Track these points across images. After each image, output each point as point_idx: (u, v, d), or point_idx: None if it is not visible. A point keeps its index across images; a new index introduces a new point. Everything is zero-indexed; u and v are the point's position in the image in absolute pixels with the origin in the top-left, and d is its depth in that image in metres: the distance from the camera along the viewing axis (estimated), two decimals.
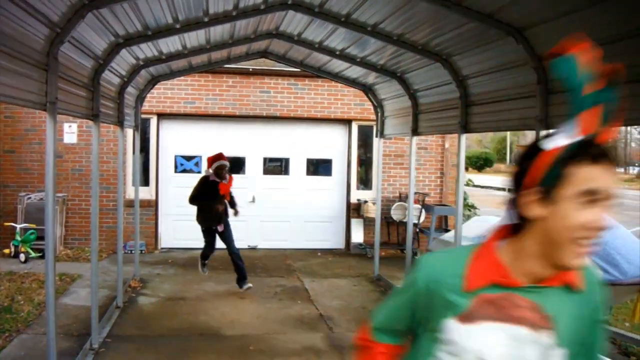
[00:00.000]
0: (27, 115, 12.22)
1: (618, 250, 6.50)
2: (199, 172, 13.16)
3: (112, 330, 7.41)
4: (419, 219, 12.80)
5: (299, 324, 8.02)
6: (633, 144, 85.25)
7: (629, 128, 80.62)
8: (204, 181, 9.45)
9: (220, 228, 9.69)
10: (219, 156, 9.28)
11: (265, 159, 13.53)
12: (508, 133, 69.24)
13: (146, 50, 7.68)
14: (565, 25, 4.95)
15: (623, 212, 27.38)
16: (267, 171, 13.57)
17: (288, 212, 13.48)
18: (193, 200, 9.58)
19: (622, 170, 78.68)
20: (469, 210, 15.98)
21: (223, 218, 9.68)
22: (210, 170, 9.26)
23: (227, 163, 9.30)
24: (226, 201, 9.60)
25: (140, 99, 9.76)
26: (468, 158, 58.29)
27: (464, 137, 7.42)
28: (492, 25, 5.62)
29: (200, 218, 9.72)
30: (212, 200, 9.31)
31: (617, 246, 6.58)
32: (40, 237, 10.64)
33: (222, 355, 6.70)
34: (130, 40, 6.68)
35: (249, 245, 13.34)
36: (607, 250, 6.49)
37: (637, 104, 4.40)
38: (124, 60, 7.44)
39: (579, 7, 4.57)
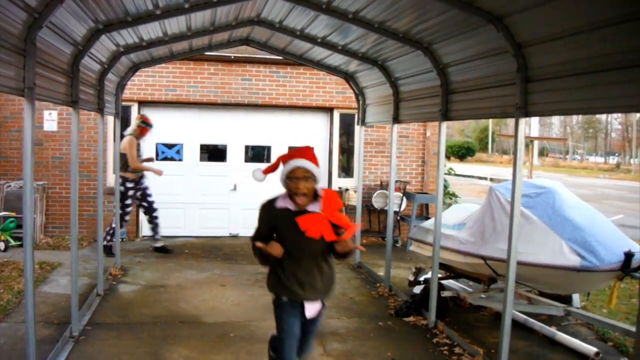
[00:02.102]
0: (6, 102, 12.13)
1: (596, 237, 6.57)
2: (181, 159, 13.14)
3: (93, 318, 7.39)
4: (400, 206, 12.87)
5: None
6: (613, 134, 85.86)
7: (609, 118, 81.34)
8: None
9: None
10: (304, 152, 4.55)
11: (247, 147, 13.50)
12: (490, 123, 69.65)
13: (126, 36, 7.62)
14: (545, 13, 4.97)
15: (603, 202, 27.64)
16: (249, 159, 13.55)
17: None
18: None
19: (602, 160, 79.32)
20: (450, 199, 16.07)
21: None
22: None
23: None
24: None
25: (121, 86, 9.69)
26: (450, 147, 58.65)
27: (444, 125, 7.44)
28: (472, 12, 5.63)
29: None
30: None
31: (595, 233, 6.65)
32: (20, 226, 10.60)
33: (203, 342, 6.70)
34: (110, 26, 6.62)
35: (230, 233, 13.35)
36: (585, 237, 6.56)
37: (614, 91, 4.46)
38: (104, 46, 7.38)
39: None
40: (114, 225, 10.47)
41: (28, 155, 4.89)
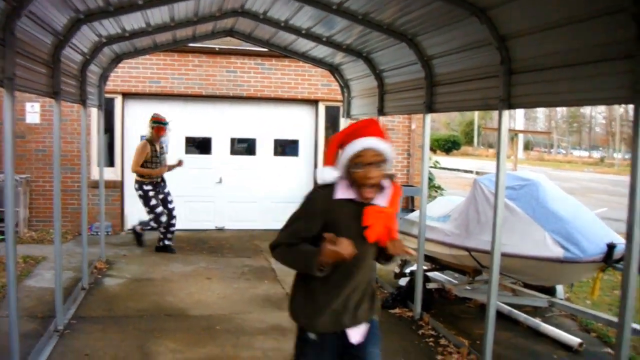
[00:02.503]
0: None
1: (579, 229, 6.61)
2: (166, 152, 13.06)
3: (78, 312, 7.36)
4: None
5: (266, 303, 8.04)
6: (597, 129, 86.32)
7: (593, 113, 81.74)
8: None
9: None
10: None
11: (232, 140, 13.48)
12: (476, 116, 69.79)
13: (108, 27, 7.56)
14: (528, 5, 4.99)
15: (588, 195, 27.79)
16: (234, 152, 13.53)
17: (255, 192, 13.47)
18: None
19: (587, 154, 79.75)
20: (436, 192, 16.10)
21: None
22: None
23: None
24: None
25: (103, 77, 9.62)
26: (436, 141, 58.77)
27: (428, 117, 7.45)
28: (456, 4, 5.63)
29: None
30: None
31: (578, 225, 6.69)
32: (2, 219, 10.50)
33: (189, 335, 6.69)
34: (91, 16, 6.54)
35: (216, 226, 13.34)
36: (568, 229, 6.59)
37: (597, 83, 4.48)
38: (86, 37, 7.32)
39: None
40: (152, 224, 10.73)
41: (9, 148, 4.85)
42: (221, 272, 9.56)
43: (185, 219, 13.19)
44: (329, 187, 3.40)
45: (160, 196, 10.68)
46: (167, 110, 12.89)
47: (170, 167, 10.88)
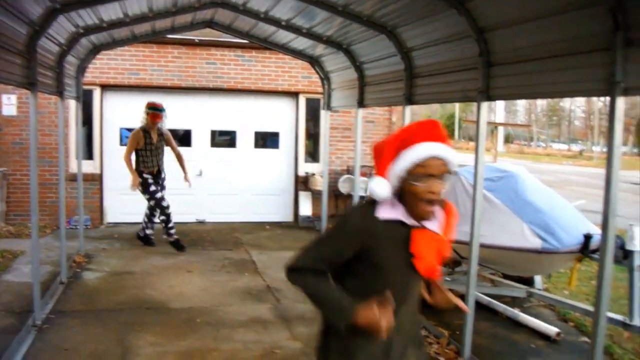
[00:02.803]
0: None
1: (556, 220, 6.68)
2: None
3: (56, 306, 7.30)
4: (366, 191, 12.88)
5: (246, 295, 8.04)
6: (577, 122, 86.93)
7: (572, 106, 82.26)
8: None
9: None
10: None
11: (212, 132, 13.42)
12: (457, 109, 70.00)
13: (86, 17, 7.49)
14: None
15: (566, 187, 27.98)
16: (214, 144, 13.48)
17: (236, 185, 13.44)
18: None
19: (566, 147, 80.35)
20: None
21: None
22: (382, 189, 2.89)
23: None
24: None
25: (81, 69, 9.54)
26: None
27: (408, 109, 7.47)
28: None
29: None
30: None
31: (556, 216, 6.76)
32: None
33: (169, 328, 6.67)
34: (67, 5, 6.46)
35: (197, 219, 13.29)
36: (546, 220, 6.66)
37: (575, 75, 4.51)
38: (63, 27, 7.24)
39: None
40: (155, 219, 10.61)
41: None
42: (202, 265, 9.54)
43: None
44: (370, 205, 2.76)
45: (159, 186, 10.33)
46: (146, 102, 12.82)
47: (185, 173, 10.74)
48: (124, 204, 12.79)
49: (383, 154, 2.76)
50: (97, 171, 12.68)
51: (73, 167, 11.88)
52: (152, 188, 10.10)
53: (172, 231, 10.41)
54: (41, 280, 7.06)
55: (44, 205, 11.80)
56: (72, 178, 11.28)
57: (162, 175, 10.40)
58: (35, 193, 6.48)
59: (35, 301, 6.62)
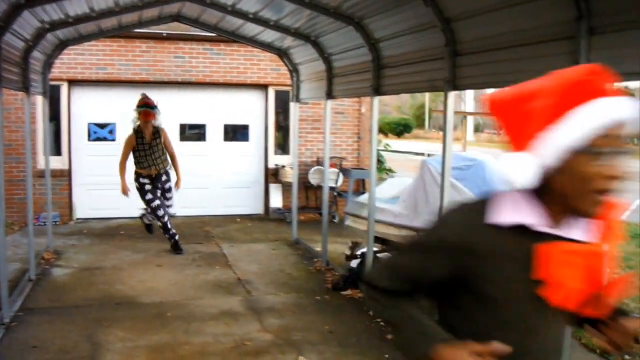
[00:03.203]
0: None
1: None
2: (114, 140, 12.90)
3: (25, 304, 7.23)
4: (336, 183, 12.93)
5: (217, 289, 8.02)
6: None
7: None
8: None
9: None
10: None
11: (182, 126, 13.34)
12: (427, 99, 70.29)
13: (52, 13, 7.41)
14: None
15: None
16: (184, 138, 13.39)
17: (206, 179, 13.37)
18: None
19: None
20: (387, 174, 16.23)
21: None
22: None
23: None
24: None
25: (48, 64, 9.44)
26: (387, 124, 59.00)
27: (376, 100, 7.49)
28: None
29: None
30: None
31: None
32: None
33: (139, 323, 6.63)
34: (32, 1, 6.40)
35: None
36: None
37: (542, 64, 4.55)
38: (28, 23, 7.15)
39: None
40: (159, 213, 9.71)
41: None
42: (172, 259, 9.51)
43: (136, 206, 13.03)
44: (479, 206, 1.87)
45: (159, 191, 9.69)
46: (115, 97, 12.77)
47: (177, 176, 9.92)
48: (94, 200, 12.71)
49: (530, 112, 1.76)
50: (66, 167, 12.54)
51: (41, 164, 11.75)
52: (148, 196, 9.58)
53: (173, 235, 9.87)
54: (9, 278, 6.99)
55: (12, 202, 11.65)
56: (41, 174, 11.15)
57: (164, 179, 9.76)
58: (2, 190, 6.40)
59: (3, 299, 6.55)
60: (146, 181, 9.53)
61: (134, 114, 9.65)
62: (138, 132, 9.57)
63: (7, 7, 6.08)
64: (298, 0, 7.25)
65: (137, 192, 9.63)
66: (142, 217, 10.33)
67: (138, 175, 9.60)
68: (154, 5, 8.41)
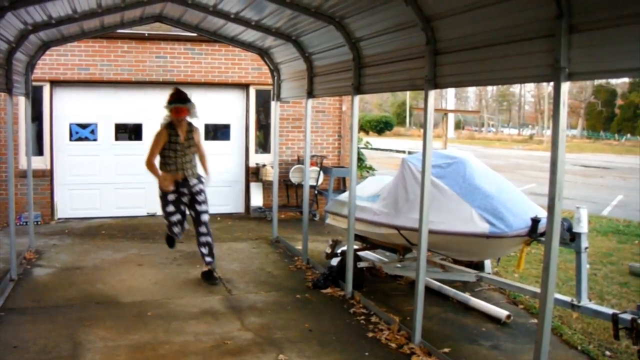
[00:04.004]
0: None
1: (504, 205, 6.79)
2: (95, 139, 12.88)
3: (6, 304, 7.21)
4: (317, 181, 12.99)
5: (198, 288, 8.03)
6: (527, 107, 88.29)
7: (522, 91, 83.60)
8: None
9: None
10: None
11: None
12: (407, 97, 70.52)
13: (34, 14, 7.41)
14: None
15: (517, 171, 28.43)
16: None
17: None
18: None
19: (516, 132, 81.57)
20: (367, 172, 16.28)
21: None
22: None
23: None
24: None
25: (30, 65, 9.42)
26: (368, 122, 59.20)
27: (357, 98, 7.52)
28: None
29: None
30: None
31: (504, 200, 6.88)
32: None
33: (119, 322, 6.63)
34: (16, 3, 6.42)
35: (147, 213, 13.18)
36: (494, 204, 6.77)
37: (521, 61, 4.62)
38: (11, 24, 7.15)
39: None
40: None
41: None
42: (153, 258, 9.51)
43: (116, 206, 13.05)
44: None
45: (185, 198, 8.29)
46: (97, 97, 12.78)
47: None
48: (75, 200, 12.71)
49: None
50: (48, 167, 12.49)
51: (23, 164, 11.72)
52: (169, 208, 8.25)
53: (208, 259, 8.30)
54: None
55: None
56: (22, 174, 11.12)
57: (192, 182, 8.30)
58: None
59: None
60: (170, 187, 8.13)
61: (164, 112, 8.23)
62: (171, 127, 8.14)
63: None
64: (279, 0, 7.28)
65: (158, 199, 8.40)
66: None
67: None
68: (136, 5, 8.42)
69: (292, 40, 8.94)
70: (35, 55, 9.45)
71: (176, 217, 8.28)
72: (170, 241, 8.70)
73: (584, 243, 6.19)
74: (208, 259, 8.28)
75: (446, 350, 5.97)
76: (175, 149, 8.11)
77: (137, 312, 6.99)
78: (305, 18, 7.70)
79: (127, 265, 9.11)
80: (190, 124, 8.32)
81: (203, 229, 8.27)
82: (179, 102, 8.10)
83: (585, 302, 6.20)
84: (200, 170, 8.54)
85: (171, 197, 8.17)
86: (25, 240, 9.88)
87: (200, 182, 8.40)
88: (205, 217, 8.30)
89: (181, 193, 8.22)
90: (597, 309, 6.20)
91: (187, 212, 8.41)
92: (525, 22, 4.50)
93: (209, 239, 8.30)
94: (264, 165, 13.38)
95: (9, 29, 7.20)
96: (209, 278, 8.25)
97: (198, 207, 8.27)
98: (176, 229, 8.36)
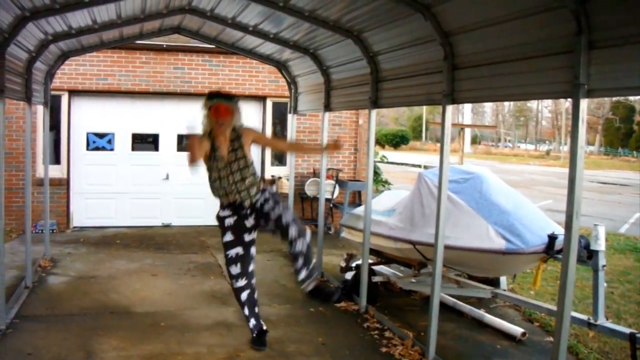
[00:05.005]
0: None
1: (521, 221, 6.75)
2: (112, 149, 12.95)
3: (21, 311, 7.23)
4: (332, 194, 12.97)
5: (211, 299, 8.03)
6: (544, 122, 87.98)
7: (540, 107, 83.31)
8: None
9: None
10: None
11: (179, 136, 13.35)
12: (424, 111, 70.44)
13: (55, 24, 7.46)
14: (471, 2, 5.09)
15: (533, 187, 28.29)
16: (181, 148, 13.38)
17: (202, 188, 13.10)
18: None
19: (533, 147, 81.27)
20: (383, 186, 16.24)
21: None
22: None
23: None
24: None
25: (50, 75, 9.49)
26: (384, 136, 59.22)
27: (374, 112, 7.51)
28: (400, 1, 5.70)
29: None
30: None
31: (520, 217, 6.84)
32: None
33: (133, 332, 6.63)
34: (37, 13, 6.46)
35: (162, 223, 13.23)
36: (511, 220, 6.73)
37: (539, 77, 4.60)
38: (32, 34, 7.21)
39: None
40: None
41: None
42: (167, 269, 9.51)
43: (131, 215, 13.09)
44: None
45: (248, 230, 6.16)
46: (114, 107, 12.86)
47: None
48: (90, 209, 12.77)
49: None
50: (64, 176, 12.57)
51: (40, 172, 11.80)
52: (226, 237, 6.13)
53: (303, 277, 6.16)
54: (6, 285, 6.98)
55: (10, 210, 11.67)
56: (39, 183, 11.18)
57: (261, 201, 6.13)
58: (1, 198, 6.42)
59: (0, 306, 6.56)
60: (226, 212, 6.18)
61: (201, 114, 6.23)
62: (209, 135, 6.11)
63: (12, 19, 6.14)
64: (298, 14, 7.29)
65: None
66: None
67: (220, 206, 6.33)
68: (155, 17, 8.47)
69: (309, 53, 8.95)
70: (55, 65, 9.52)
71: (235, 251, 6.10)
72: (324, 293, 6.45)
73: (602, 261, 6.15)
74: (307, 274, 6.18)
75: None
76: (216, 168, 6.12)
77: (150, 323, 6.99)
78: (323, 32, 7.71)
79: (141, 275, 9.12)
80: (234, 129, 6.09)
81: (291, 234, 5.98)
82: (222, 98, 6.17)
83: (602, 320, 6.15)
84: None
85: (229, 221, 6.14)
86: (40, 248, 9.92)
87: (268, 197, 6.16)
88: (288, 217, 6.02)
89: (242, 217, 6.13)
90: (614, 328, 6.14)
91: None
92: (544, 38, 4.47)
93: (300, 246, 6.07)
94: (279, 178, 13.37)
95: (29, 39, 7.26)
96: (317, 295, 6.30)
97: (272, 215, 6.00)
98: (234, 269, 6.12)
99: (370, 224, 7.61)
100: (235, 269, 6.11)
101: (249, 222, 6.13)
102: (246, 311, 6.21)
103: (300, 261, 6.11)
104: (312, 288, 6.20)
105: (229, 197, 6.09)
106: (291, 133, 10.98)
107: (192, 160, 5.86)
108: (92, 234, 12.08)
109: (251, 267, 6.23)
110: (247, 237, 6.15)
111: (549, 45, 4.42)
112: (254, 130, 6.39)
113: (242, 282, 6.12)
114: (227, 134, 6.05)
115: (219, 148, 6.04)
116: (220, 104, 6.04)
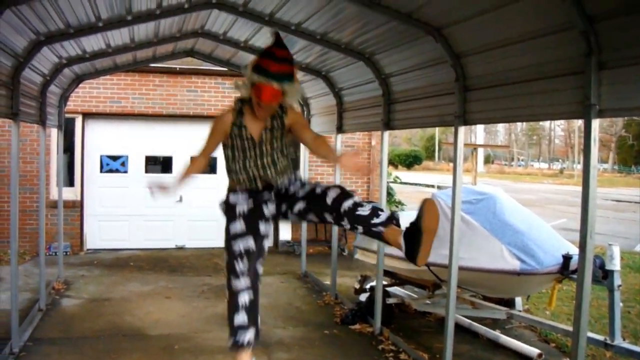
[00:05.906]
0: None
1: (535, 241, 6.74)
2: (126, 171, 13.02)
3: (34, 334, 7.24)
4: None
5: (225, 322, 7.93)
6: (557, 141, 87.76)
7: (552, 125, 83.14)
8: None
9: None
10: None
11: (192, 159, 13.40)
12: (437, 131, 70.51)
13: (69, 48, 7.54)
14: (481, 24, 5.09)
15: (547, 206, 28.16)
16: None
17: (216, 211, 13.31)
18: None
19: (546, 166, 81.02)
20: (397, 207, 16.22)
21: None
22: None
23: None
24: None
25: (64, 98, 9.56)
26: (397, 156, 59.25)
27: (386, 134, 7.52)
28: (412, 24, 5.73)
29: None
30: None
31: (534, 237, 6.82)
32: None
33: (146, 355, 6.62)
34: (51, 38, 6.54)
35: (176, 245, 13.25)
36: (525, 241, 6.71)
37: (550, 98, 4.60)
38: (46, 58, 7.28)
39: (494, 6, 4.70)
40: None
41: None
42: (181, 291, 9.50)
43: (145, 238, 13.11)
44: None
45: (264, 220, 5.04)
46: (128, 129, 12.93)
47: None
48: (104, 231, 12.81)
49: None
50: (78, 198, 12.65)
51: (54, 194, 11.86)
52: (236, 227, 5.01)
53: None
54: (20, 308, 6.99)
55: (24, 232, 11.72)
56: (53, 205, 11.24)
57: (283, 188, 5.03)
58: (16, 220, 6.47)
59: (13, 329, 6.56)
60: (239, 198, 5.04)
61: (245, 76, 4.81)
62: (240, 110, 4.90)
63: (27, 44, 6.21)
64: (310, 37, 7.34)
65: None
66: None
67: (229, 191, 5.21)
68: (168, 41, 8.55)
69: (322, 75, 8.99)
70: (69, 88, 9.59)
71: (241, 245, 4.95)
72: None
73: (617, 281, 6.12)
74: (380, 227, 4.80)
75: None
76: (243, 148, 4.94)
77: (164, 345, 6.97)
78: (336, 54, 7.75)
79: (155, 297, 9.11)
80: (280, 108, 4.87)
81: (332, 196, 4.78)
82: (275, 57, 4.82)
83: (618, 341, 6.12)
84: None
85: (241, 209, 5.01)
86: (54, 271, 9.93)
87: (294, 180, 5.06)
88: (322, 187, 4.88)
89: (259, 207, 4.99)
90: (632, 348, 6.11)
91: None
92: (554, 59, 4.48)
93: (351, 200, 4.84)
94: None
95: (44, 63, 7.33)
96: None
97: (300, 193, 4.91)
98: (239, 265, 4.96)
99: (384, 245, 7.59)
100: (240, 265, 4.93)
101: (268, 210, 4.98)
102: (241, 319, 5.08)
103: (366, 210, 4.78)
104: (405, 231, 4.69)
105: (251, 183, 4.93)
106: (304, 154, 11.00)
107: (207, 152, 5.28)
108: (105, 256, 12.11)
109: (260, 268, 5.37)
110: (263, 228, 5.03)
111: (559, 67, 4.43)
112: (300, 114, 5.29)
113: (245, 282, 5.00)
114: (266, 108, 4.70)
115: (247, 126, 4.83)
116: (270, 86, 4.56)
